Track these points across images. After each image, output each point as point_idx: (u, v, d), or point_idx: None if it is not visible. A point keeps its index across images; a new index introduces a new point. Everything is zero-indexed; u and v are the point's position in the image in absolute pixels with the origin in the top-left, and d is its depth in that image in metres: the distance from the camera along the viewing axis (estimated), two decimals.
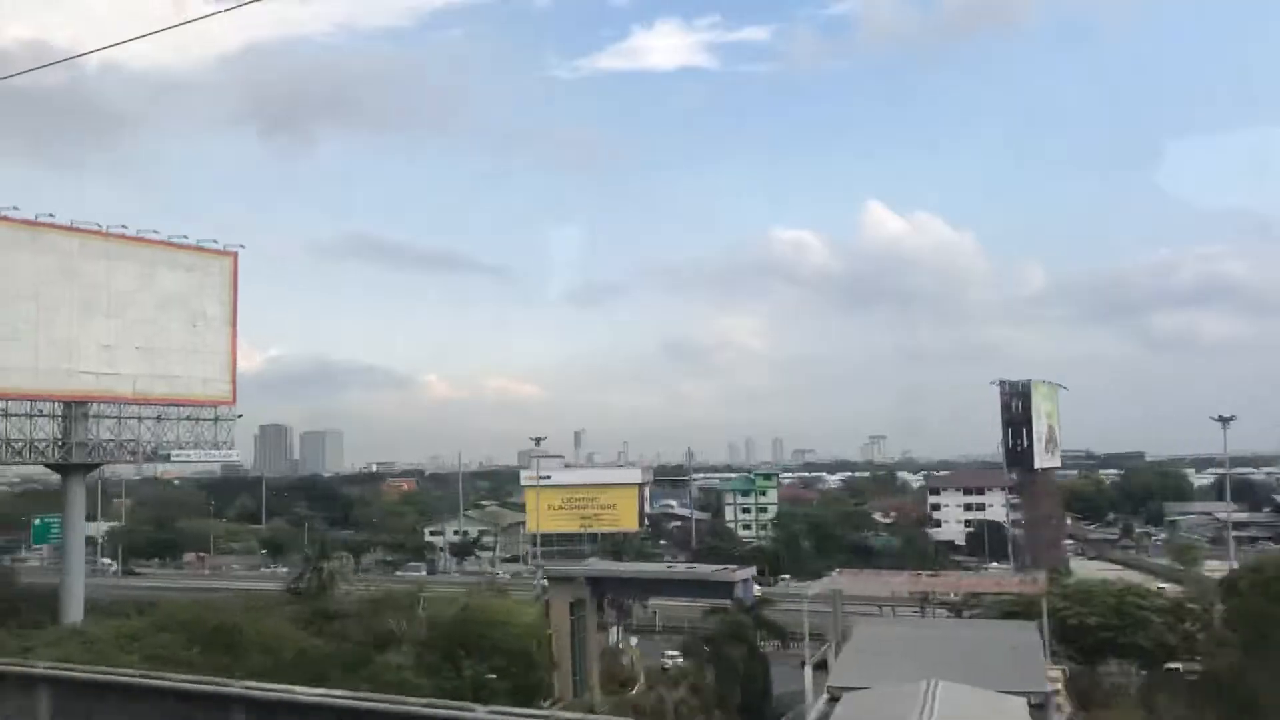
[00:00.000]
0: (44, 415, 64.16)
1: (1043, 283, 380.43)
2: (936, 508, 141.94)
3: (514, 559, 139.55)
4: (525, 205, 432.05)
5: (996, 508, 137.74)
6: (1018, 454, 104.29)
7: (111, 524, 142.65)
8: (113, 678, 9.43)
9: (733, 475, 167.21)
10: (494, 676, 40.03)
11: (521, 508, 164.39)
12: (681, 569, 59.30)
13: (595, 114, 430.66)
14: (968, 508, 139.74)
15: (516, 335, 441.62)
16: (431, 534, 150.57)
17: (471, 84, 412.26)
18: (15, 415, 62.71)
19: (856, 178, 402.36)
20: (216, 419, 71.16)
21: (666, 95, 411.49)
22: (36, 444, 63.76)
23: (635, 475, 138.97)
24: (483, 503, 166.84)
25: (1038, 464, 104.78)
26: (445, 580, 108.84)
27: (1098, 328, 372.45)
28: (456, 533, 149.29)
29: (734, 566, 51.57)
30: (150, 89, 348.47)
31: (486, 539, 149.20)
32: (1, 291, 61.17)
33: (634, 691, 58.74)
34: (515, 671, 41.27)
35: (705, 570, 52.05)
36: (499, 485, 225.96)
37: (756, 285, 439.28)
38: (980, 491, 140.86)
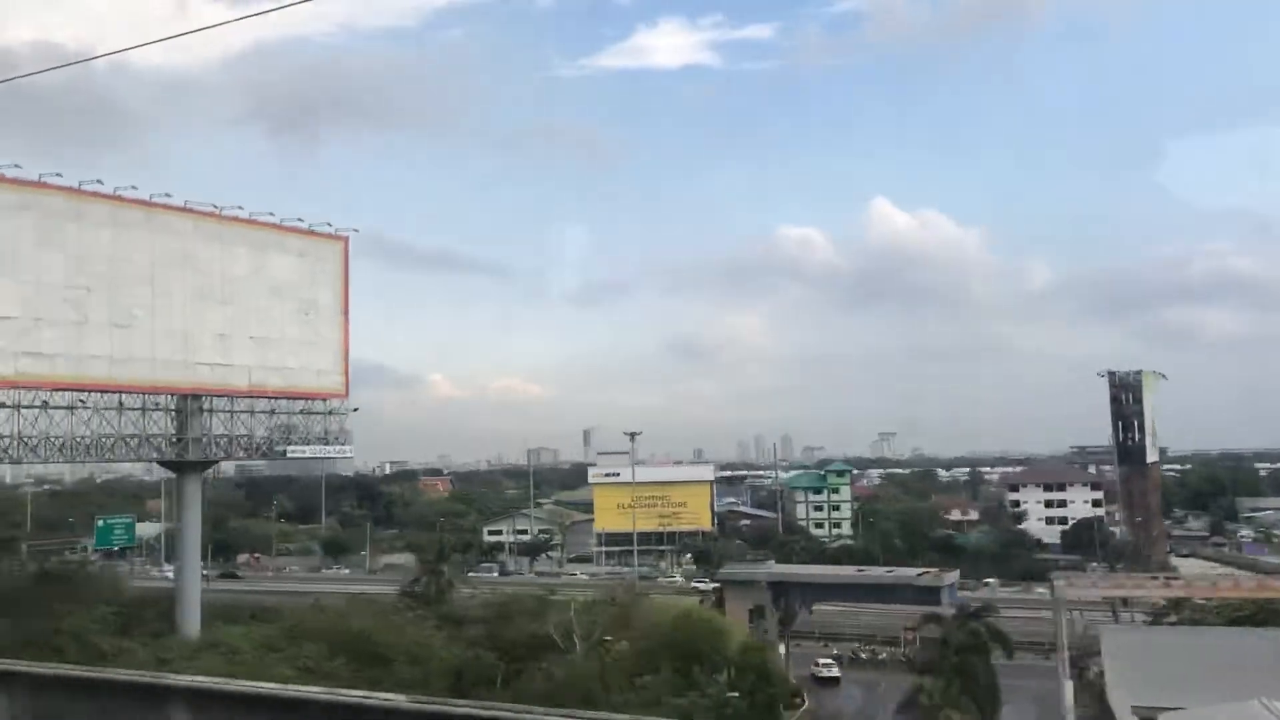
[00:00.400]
0: (159, 409, 60.12)
1: (1049, 279, 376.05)
2: (1016, 504, 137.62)
3: (581, 559, 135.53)
4: (529, 204, 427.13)
5: (1079, 504, 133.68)
6: (1128, 448, 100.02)
7: (166, 525, 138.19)
8: (263, 691, 8.04)
9: (796, 471, 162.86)
10: (735, 695, 35.91)
11: (576, 505, 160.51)
12: (879, 572, 55.25)
13: (599, 113, 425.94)
14: (1048, 504, 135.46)
15: (521, 335, 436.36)
16: (490, 534, 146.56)
17: (474, 83, 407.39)
18: (130, 409, 58.68)
19: (862, 175, 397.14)
20: (330, 412, 67.14)
21: (671, 94, 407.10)
22: (151, 440, 59.69)
23: (707, 472, 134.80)
24: (540, 501, 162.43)
25: (1149, 458, 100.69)
26: (531, 581, 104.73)
27: (1104, 324, 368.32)
28: (517, 532, 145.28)
29: (934, 570, 47.64)
30: (156, 88, 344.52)
31: (546, 538, 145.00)
32: (118, 275, 57.19)
33: (805, 706, 54.69)
34: (749, 687, 37.14)
35: (908, 574, 48.07)
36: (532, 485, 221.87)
37: (762, 283, 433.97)
38: (1061, 488, 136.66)
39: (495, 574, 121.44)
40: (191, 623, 59.83)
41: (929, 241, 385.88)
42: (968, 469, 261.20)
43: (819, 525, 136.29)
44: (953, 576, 47.50)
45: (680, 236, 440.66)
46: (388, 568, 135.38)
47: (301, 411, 65.93)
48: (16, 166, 53.05)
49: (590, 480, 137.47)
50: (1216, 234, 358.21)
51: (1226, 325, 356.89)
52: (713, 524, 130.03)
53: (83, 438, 56.13)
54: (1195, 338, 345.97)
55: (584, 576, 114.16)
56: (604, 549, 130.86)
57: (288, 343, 64.82)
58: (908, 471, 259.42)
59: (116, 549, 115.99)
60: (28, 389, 53.72)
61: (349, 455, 73.13)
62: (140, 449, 59.46)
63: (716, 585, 66.18)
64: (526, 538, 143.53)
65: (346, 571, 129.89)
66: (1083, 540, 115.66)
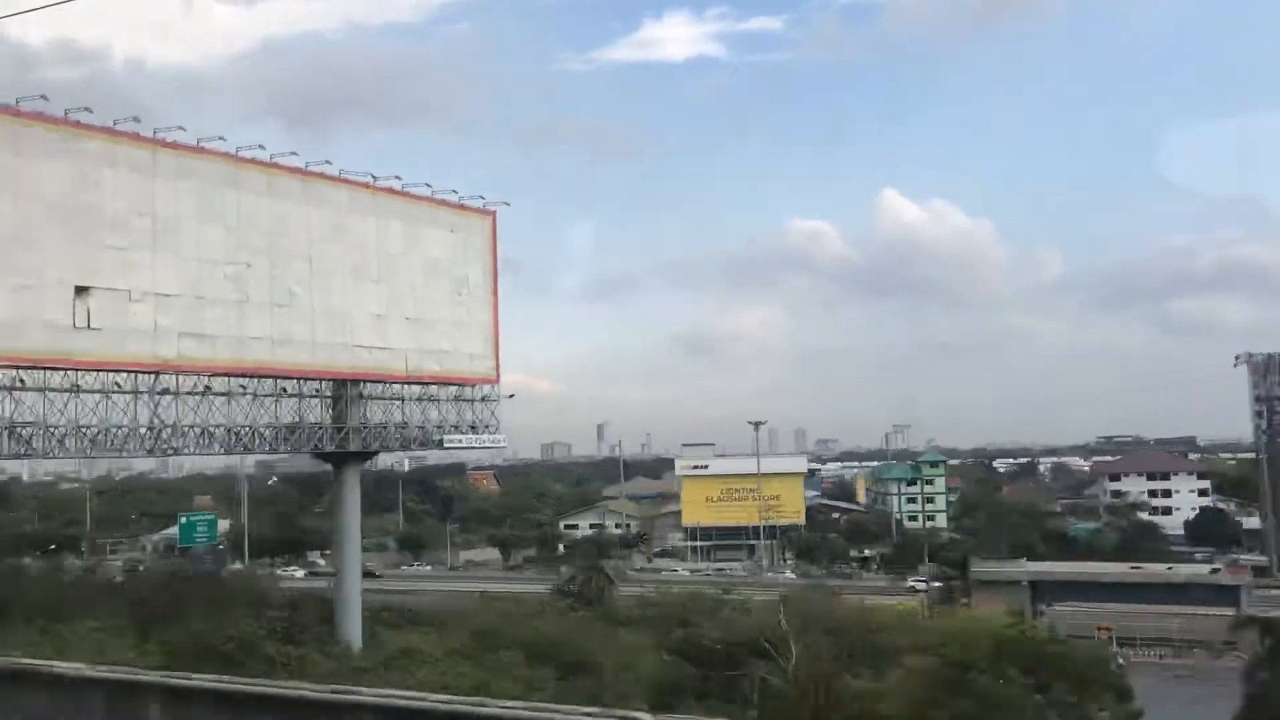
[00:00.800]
0: (316, 396, 55.42)
1: (1062, 270, 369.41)
2: (1118, 494, 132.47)
3: (665, 554, 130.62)
4: (538, 199, 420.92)
5: (1184, 494, 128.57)
6: (1273, 433, 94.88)
7: (232, 521, 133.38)
8: (464, 708, 7.10)
9: (886, 462, 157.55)
10: (1104, 712, 31.05)
11: (660, 498, 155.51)
12: (1161, 570, 50.34)
13: (606, 106, 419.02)
14: (1151, 494, 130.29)
15: (527, 329, 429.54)
16: (566, 528, 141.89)
17: (480, 78, 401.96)
18: (289, 396, 53.99)
19: (872, 167, 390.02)
20: (483, 399, 62.36)
21: (678, 86, 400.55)
22: (308, 430, 54.87)
23: (800, 464, 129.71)
24: (607, 495, 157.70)
25: None
26: (640, 578, 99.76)
27: (1116, 314, 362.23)
28: (593, 526, 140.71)
29: (1217, 567, 42.83)
30: (171, 86, 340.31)
31: (639, 532, 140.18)
32: (276, 250, 52.39)
33: None
34: (1104, 706, 32.27)
35: (1198, 572, 43.24)
36: (583, 479, 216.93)
37: (771, 276, 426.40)
38: (1165, 477, 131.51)
39: None
40: (353, 628, 55.17)
41: (939, 233, 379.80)
42: (1019, 459, 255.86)
43: (912, 518, 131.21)
44: (1247, 574, 42.78)
45: (689, 230, 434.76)
46: (469, 564, 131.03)
47: (455, 399, 61.21)
48: (181, 129, 48.34)
49: (678, 472, 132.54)
50: (1234, 220, 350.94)
51: (1243, 313, 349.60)
52: (804, 517, 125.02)
53: (244, 428, 51.43)
54: (1213, 325, 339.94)
55: (684, 572, 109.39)
56: (696, 543, 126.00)
57: (442, 324, 60.05)
58: (957, 462, 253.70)
59: (214, 545, 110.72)
60: (188, 374, 49.01)
61: (502, 445, 68.32)
62: (299, 439, 54.66)
63: (927, 584, 61.01)
64: (606, 531, 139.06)
65: (429, 568, 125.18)
66: (1208, 531, 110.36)
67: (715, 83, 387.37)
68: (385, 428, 57.49)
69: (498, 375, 63.29)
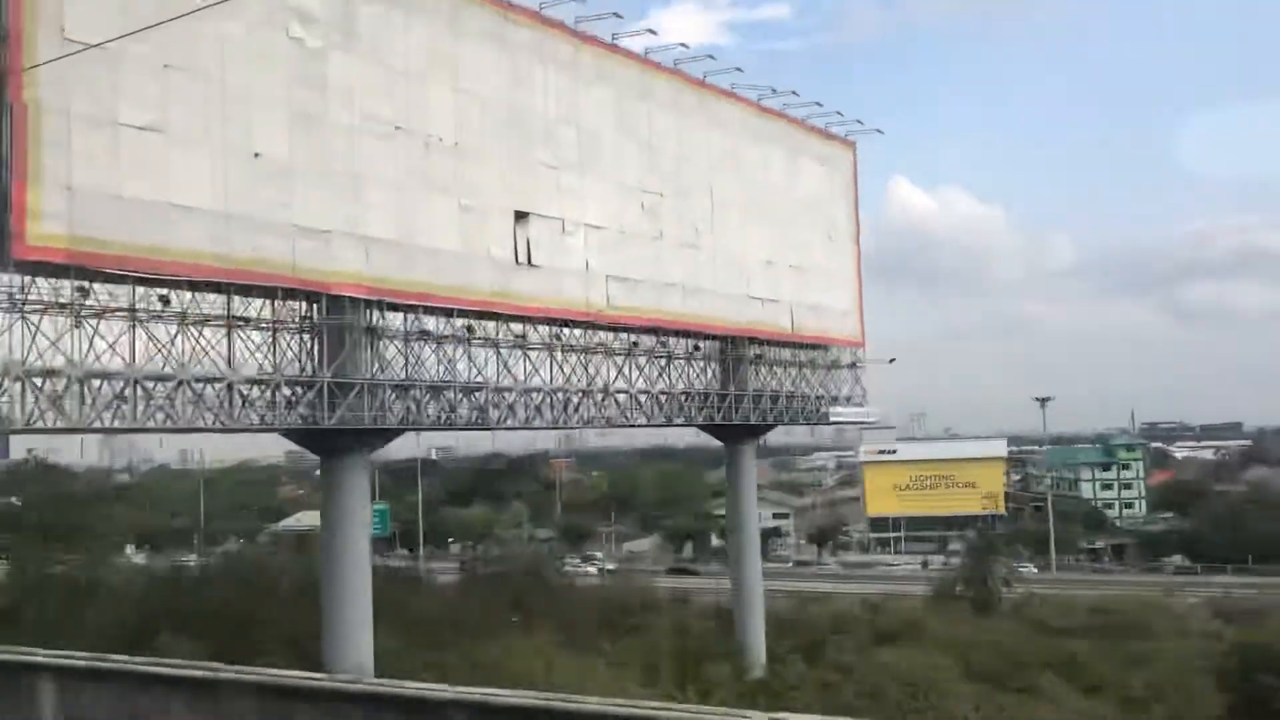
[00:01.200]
0: (721, 358, 46.01)
1: (1075, 256, 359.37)
2: None
3: (843, 546, 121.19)
4: None
5: None
6: None
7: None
8: None
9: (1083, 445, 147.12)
10: None
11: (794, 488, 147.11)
12: None
13: None
14: None
15: None
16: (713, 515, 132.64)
17: None
18: (698, 358, 44.64)
19: (880, 154, 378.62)
20: (854, 364, 52.83)
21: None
22: (683, 401, 45.07)
23: (1000, 448, 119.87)
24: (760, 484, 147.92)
25: None
26: (887, 575, 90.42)
27: (1131, 300, 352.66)
28: None
29: None
30: None
31: (780, 522, 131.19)
32: (682, 177, 42.87)
33: None
34: None
35: None
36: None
37: None
38: None
39: (789, 564, 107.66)
40: (756, 641, 45.71)
41: (949, 219, 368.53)
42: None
43: (1108, 506, 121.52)
44: None
45: None
46: (631, 555, 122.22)
47: (832, 364, 51.69)
48: (617, 15, 38.74)
49: (862, 459, 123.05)
50: (1250, 206, 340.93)
51: (1261, 299, 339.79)
52: (1006, 506, 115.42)
53: (661, 395, 42.01)
54: (1231, 311, 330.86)
55: (907, 567, 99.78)
56: (893, 535, 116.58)
57: (816, 273, 50.47)
58: (1044, 448, 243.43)
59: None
60: (616, 326, 39.64)
61: (876, 422, 58.72)
62: (688, 409, 44.93)
63: None
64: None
65: (600, 557, 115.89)
66: None
67: (722, 71, 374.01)
68: (778, 397, 47.82)
69: (863, 337, 53.75)
